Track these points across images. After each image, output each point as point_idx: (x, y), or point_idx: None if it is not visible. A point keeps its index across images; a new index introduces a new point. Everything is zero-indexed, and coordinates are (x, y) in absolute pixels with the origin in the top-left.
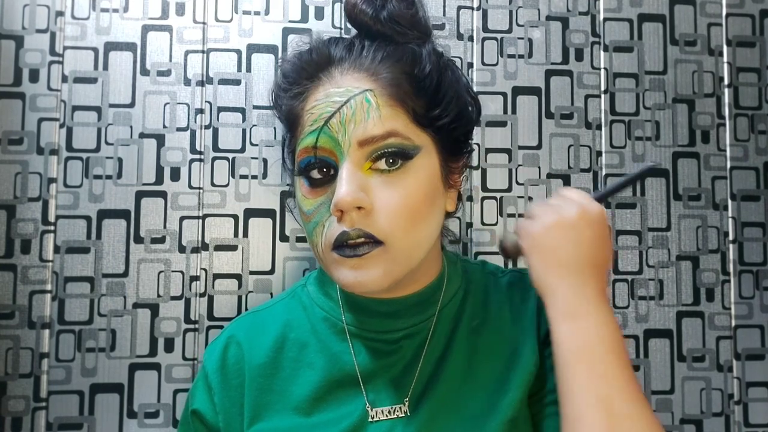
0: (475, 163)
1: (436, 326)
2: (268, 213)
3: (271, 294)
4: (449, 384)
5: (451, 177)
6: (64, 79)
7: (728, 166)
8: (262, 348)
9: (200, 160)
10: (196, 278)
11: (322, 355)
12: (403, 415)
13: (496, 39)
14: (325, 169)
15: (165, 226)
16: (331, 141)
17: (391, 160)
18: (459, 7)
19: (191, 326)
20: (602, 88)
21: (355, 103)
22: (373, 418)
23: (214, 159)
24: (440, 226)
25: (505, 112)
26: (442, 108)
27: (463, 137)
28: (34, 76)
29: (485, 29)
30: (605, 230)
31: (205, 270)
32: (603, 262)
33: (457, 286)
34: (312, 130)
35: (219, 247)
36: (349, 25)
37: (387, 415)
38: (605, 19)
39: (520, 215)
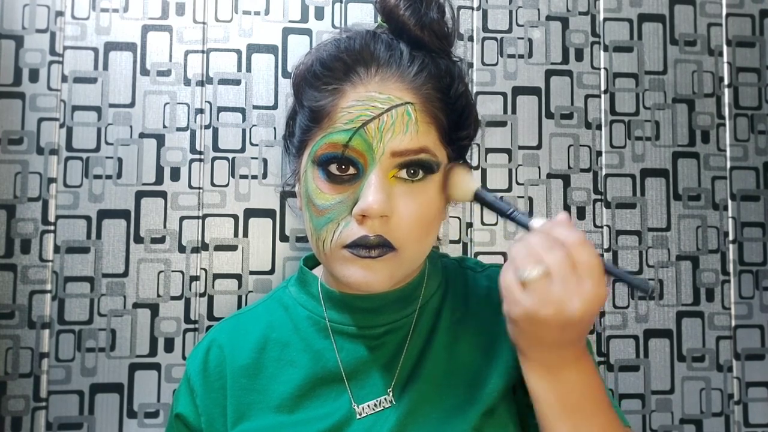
0: (475, 163)
1: (418, 321)
2: (268, 213)
3: None
4: (431, 376)
5: None
6: (64, 79)
7: (728, 166)
8: (244, 350)
9: (200, 160)
10: (196, 278)
11: (305, 354)
12: (389, 405)
13: (496, 39)
14: (344, 167)
15: (165, 226)
16: (364, 144)
17: (413, 171)
18: (459, 7)
19: (191, 326)
20: (602, 88)
21: (397, 113)
22: (360, 414)
23: (214, 159)
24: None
25: (505, 112)
26: (467, 129)
27: (466, 153)
28: (34, 76)
29: (485, 29)
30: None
31: (205, 270)
32: (586, 332)
33: (437, 283)
34: (346, 128)
35: (219, 247)
36: (350, 24)
37: (373, 409)
38: (605, 19)
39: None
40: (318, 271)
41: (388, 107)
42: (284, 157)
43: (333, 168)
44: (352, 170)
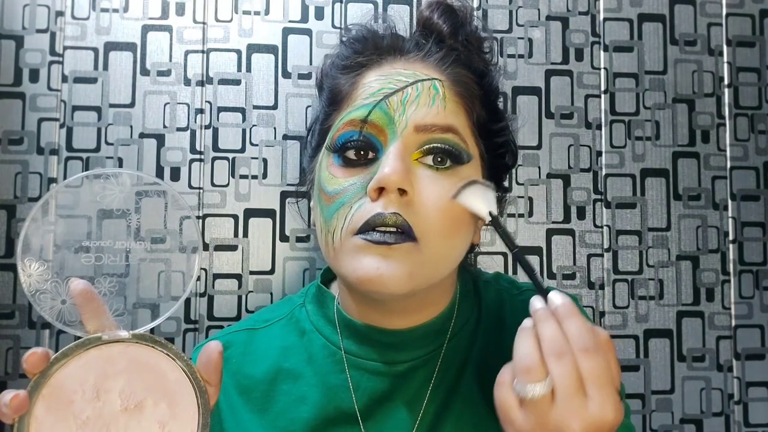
0: None
1: (445, 358)
2: (268, 213)
3: (271, 294)
4: (458, 424)
5: None
6: (64, 79)
7: (728, 166)
8: (253, 379)
9: (200, 160)
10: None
11: (318, 389)
12: None
13: (496, 39)
14: (363, 152)
15: (165, 226)
16: (385, 118)
17: (440, 159)
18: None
19: (191, 326)
20: (602, 88)
21: (422, 86)
22: None
23: (214, 159)
24: (465, 252)
25: (505, 112)
26: (502, 123)
27: (503, 170)
28: (34, 76)
29: (485, 29)
30: None
31: (205, 270)
32: None
33: (468, 314)
34: (366, 103)
35: (219, 247)
36: (350, 22)
37: None
38: (605, 19)
39: (520, 215)
40: (335, 289)
41: (413, 80)
42: (284, 157)
43: (350, 153)
44: (370, 155)
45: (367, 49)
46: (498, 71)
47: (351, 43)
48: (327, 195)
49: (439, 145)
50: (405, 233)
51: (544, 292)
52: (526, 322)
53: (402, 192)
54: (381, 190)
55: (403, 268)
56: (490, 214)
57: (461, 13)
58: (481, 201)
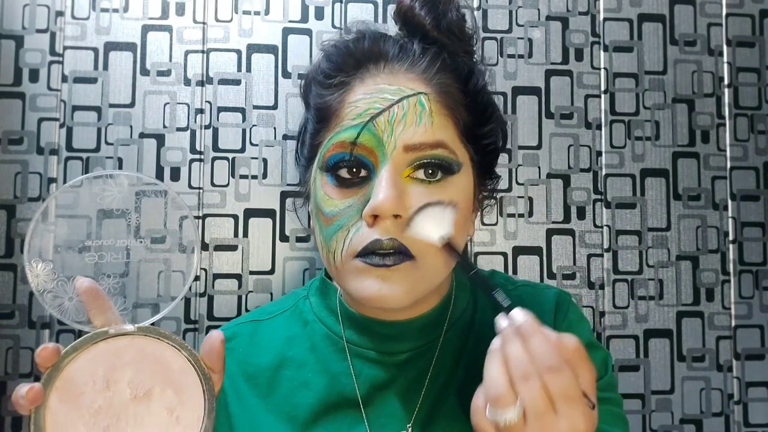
0: None
1: (442, 348)
2: (268, 213)
3: (271, 294)
4: (454, 412)
5: (478, 201)
6: (64, 79)
7: (728, 166)
8: (258, 367)
9: (200, 160)
10: (196, 278)
11: (321, 376)
12: None
13: (496, 39)
14: (355, 170)
15: (165, 226)
16: (374, 139)
17: (430, 171)
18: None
19: (191, 326)
20: (602, 88)
21: (408, 104)
22: None
23: (214, 159)
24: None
25: (505, 112)
26: (489, 126)
27: (494, 160)
28: (34, 76)
29: (485, 29)
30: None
31: (205, 270)
32: None
33: (464, 305)
34: (354, 124)
35: (219, 247)
36: (351, 20)
37: None
38: (605, 19)
39: (520, 215)
40: None
41: (398, 98)
42: (284, 157)
43: (343, 172)
44: (363, 173)
45: (349, 64)
46: (483, 65)
47: (330, 57)
48: (324, 216)
49: (429, 160)
50: (402, 253)
51: (507, 310)
52: (495, 343)
53: (397, 216)
54: (376, 217)
55: (403, 286)
56: (443, 238)
57: (442, 1)
58: (433, 226)
